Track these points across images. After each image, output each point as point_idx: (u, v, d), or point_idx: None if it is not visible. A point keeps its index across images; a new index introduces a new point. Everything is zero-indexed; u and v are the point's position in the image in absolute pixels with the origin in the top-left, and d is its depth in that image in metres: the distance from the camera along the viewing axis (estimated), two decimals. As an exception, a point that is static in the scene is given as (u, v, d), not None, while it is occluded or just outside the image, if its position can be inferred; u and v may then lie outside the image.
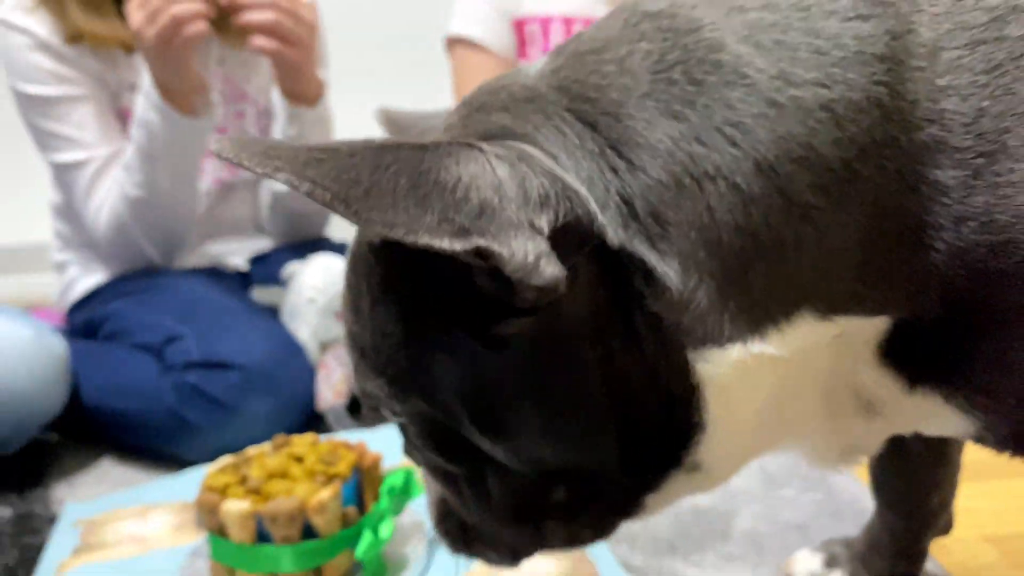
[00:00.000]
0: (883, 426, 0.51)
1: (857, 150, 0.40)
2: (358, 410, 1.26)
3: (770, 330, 0.42)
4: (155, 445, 1.23)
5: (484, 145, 0.39)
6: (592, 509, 0.50)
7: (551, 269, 0.38)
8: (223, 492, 0.84)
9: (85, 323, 1.44)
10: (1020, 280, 0.41)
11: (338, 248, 1.55)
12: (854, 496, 0.99)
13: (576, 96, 0.43)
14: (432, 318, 0.44)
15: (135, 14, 1.21)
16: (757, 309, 0.42)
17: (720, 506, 0.99)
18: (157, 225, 1.38)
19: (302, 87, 1.43)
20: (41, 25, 1.33)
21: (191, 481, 1.09)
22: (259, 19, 1.29)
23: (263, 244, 1.59)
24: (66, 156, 1.36)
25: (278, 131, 1.51)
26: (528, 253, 0.37)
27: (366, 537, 0.83)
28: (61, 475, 1.22)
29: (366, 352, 0.47)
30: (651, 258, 0.41)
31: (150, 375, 1.23)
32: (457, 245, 0.36)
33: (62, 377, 1.24)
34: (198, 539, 0.95)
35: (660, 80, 0.42)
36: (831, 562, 0.83)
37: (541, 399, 0.44)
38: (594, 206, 0.40)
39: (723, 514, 0.97)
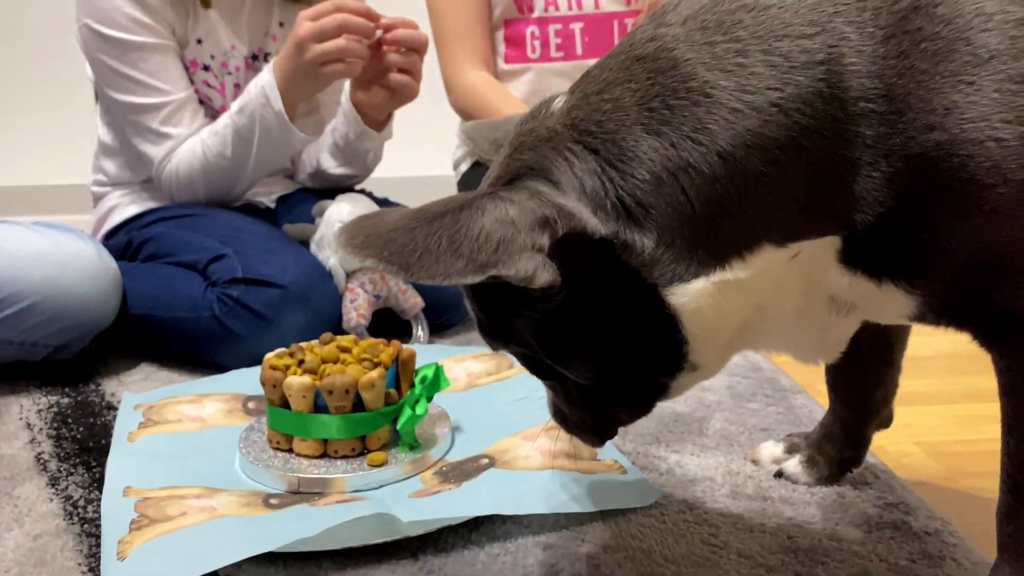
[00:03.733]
0: (857, 318, 0.68)
1: (801, 129, 0.56)
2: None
3: (735, 261, 0.59)
4: (198, 352, 1.39)
5: (503, 192, 0.55)
6: (637, 397, 0.70)
7: (545, 276, 0.54)
8: (284, 371, 0.99)
9: (123, 245, 1.58)
10: (933, 192, 0.57)
11: (358, 189, 1.70)
12: (810, 411, 1.17)
13: (583, 131, 0.59)
14: (506, 303, 0.63)
15: (305, 23, 1.36)
16: (723, 250, 0.58)
17: (696, 413, 1.16)
18: (223, 186, 1.54)
19: (388, 117, 1.57)
20: None
21: (237, 378, 1.25)
22: (408, 61, 1.44)
23: (289, 187, 1.74)
24: (137, 99, 1.49)
25: (338, 136, 1.61)
26: (528, 269, 0.53)
27: (405, 412, 0.99)
28: (109, 375, 1.37)
29: (481, 322, 0.68)
30: (628, 235, 0.57)
31: (197, 289, 1.38)
32: (478, 278, 0.52)
33: (117, 290, 1.39)
34: (251, 421, 1.10)
35: (644, 109, 0.58)
36: (791, 449, 1.00)
37: (583, 337, 0.62)
38: (585, 215, 0.57)
39: (698, 419, 1.14)
